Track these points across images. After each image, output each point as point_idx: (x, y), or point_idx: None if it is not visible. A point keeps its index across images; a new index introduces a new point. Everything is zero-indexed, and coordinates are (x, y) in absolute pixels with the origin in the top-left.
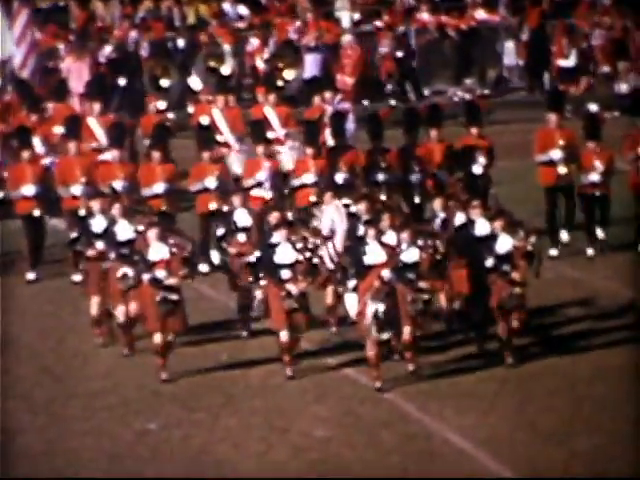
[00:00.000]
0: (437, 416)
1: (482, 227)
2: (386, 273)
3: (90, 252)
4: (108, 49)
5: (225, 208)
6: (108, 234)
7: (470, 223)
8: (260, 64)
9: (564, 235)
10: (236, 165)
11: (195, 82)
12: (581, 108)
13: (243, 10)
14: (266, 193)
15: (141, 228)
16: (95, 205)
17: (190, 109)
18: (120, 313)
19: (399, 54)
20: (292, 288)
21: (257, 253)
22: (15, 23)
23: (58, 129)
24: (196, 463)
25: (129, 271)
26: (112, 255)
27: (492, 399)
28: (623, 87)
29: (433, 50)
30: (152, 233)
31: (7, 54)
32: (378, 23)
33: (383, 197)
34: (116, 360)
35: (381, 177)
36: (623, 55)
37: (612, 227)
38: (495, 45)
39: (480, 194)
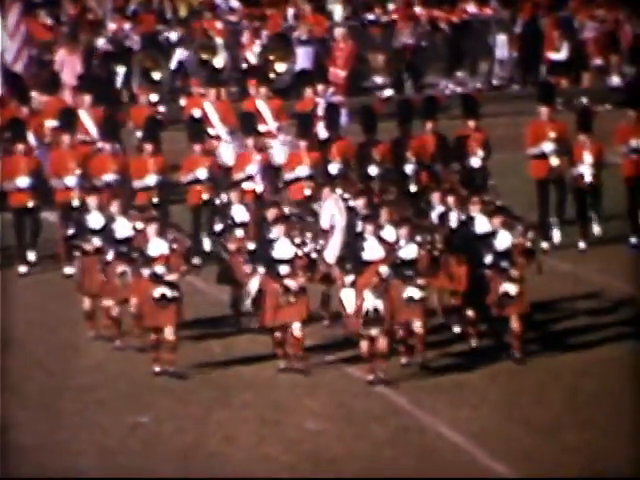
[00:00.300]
0: (430, 409)
1: (481, 224)
2: (384, 269)
3: (87, 247)
4: (101, 42)
5: (217, 201)
6: (106, 231)
7: (469, 220)
8: (251, 57)
9: (556, 235)
10: (227, 156)
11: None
12: (572, 101)
13: (234, 3)
14: (257, 186)
15: (140, 226)
16: (92, 201)
17: (182, 102)
18: (115, 308)
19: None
20: (291, 283)
21: (253, 245)
22: (8, 16)
23: (50, 122)
24: (188, 456)
25: (128, 269)
26: (110, 252)
27: (485, 393)
28: (615, 80)
29: (425, 43)
30: (151, 228)
31: (0, 48)
32: (369, 16)
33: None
34: (108, 353)
35: (374, 170)
36: (615, 48)
37: (604, 220)
38: (487, 38)
39: (478, 187)
